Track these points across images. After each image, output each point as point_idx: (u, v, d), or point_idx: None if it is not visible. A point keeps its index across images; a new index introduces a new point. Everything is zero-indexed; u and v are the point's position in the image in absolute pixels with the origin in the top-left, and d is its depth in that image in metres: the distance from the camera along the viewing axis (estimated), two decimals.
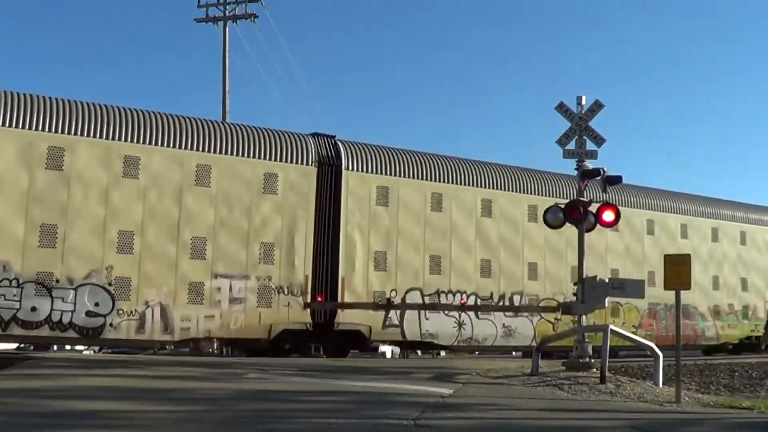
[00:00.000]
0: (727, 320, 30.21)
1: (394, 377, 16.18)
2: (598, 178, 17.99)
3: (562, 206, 17.71)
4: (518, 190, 26.25)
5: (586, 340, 17.38)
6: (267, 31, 75.95)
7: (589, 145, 17.88)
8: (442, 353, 27.51)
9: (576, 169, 17.92)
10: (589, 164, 17.83)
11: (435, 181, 24.71)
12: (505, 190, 25.94)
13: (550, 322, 25.45)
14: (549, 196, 26.30)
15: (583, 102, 18.07)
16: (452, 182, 25.00)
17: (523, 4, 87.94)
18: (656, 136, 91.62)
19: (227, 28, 34.58)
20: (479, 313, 24.41)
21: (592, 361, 17.03)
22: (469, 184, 25.33)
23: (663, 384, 15.90)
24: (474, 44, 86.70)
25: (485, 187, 25.64)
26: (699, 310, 29.48)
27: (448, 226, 24.63)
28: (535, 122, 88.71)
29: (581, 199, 17.63)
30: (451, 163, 25.38)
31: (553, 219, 17.73)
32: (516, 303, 25.21)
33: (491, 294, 25.05)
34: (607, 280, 17.69)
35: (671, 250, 25.14)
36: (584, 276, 17.31)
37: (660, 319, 28.32)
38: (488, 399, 13.12)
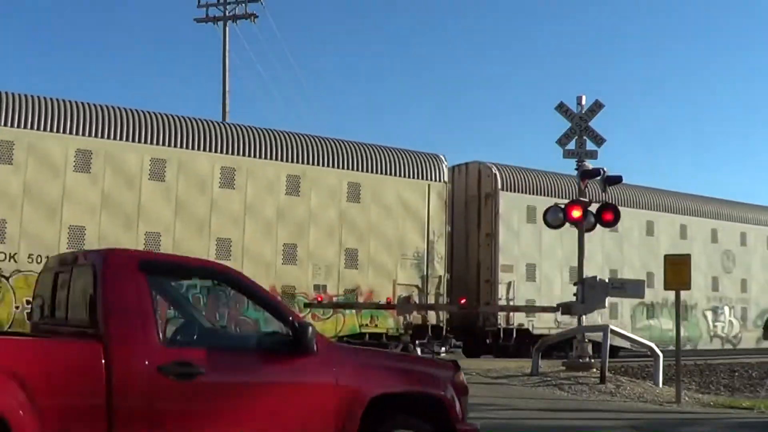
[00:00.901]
0: (314, 310, 20.60)
1: None
2: (598, 178, 17.97)
3: (562, 206, 17.68)
4: None
5: (586, 340, 17.39)
6: (267, 31, 75.90)
7: (589, 145, 17.89)
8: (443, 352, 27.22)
9: (576, 169, 17.91)
10: (589, 164, 17.83)
11: None
12: None
13: None
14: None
15: (583, 102, 18.08)
16: None
17: (524, 4, 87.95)
18: (657, 135, 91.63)
19: (227, 28, 34.55)
20: None
21: (592, 361, 17.03)
22: None
23: (663, 384, 15.90)
24: (477, 43, 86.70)
25: None
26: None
27: None
28: (535, 122, 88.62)
29: (581, 199, 17.61)
30: None
31: (553, 219, 17.70)
32: None
33: None
34: (606, 280, 17.69)
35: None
36: (584, 276, 17.30)
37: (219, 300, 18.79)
38: (488, 399, 13.11)
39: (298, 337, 5.96)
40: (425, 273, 22.07)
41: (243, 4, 34.62)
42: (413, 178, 22.43)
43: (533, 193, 24.42)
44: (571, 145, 17.92)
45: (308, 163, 21.06)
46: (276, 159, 20.66)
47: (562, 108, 18.09)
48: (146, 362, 5.48)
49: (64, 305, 6.28)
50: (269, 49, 78.41)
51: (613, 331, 17.07)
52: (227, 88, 33.96)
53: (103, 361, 5.38)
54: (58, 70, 75.38)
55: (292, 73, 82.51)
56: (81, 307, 5.95)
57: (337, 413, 6.04)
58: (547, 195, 24.38)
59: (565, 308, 18.00)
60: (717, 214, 29.78)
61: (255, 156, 20.43)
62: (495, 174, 23.84)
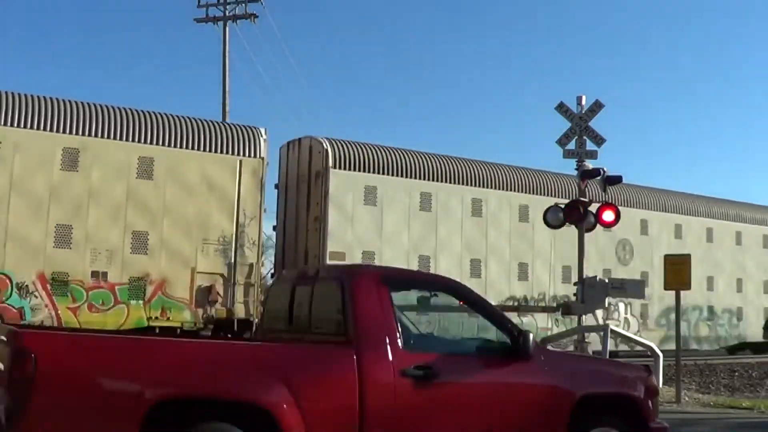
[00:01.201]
0: (94, 300, 17.97)
1: None
2: (598, 178, 17.95)
3: (562, 206, 17.65)
4: None
5: (586, 340, 17.38)
6: (267, 31, 75.92)
7: (589, 145, 17.88)
8: None
9: (576, 169, 17.90)
10: (589, 164, 17.81)
11: None
12: None
13: None
14: None
15: (583, 102, 18.06)
16: None
17: (525, 3, 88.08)
18: (656, 135, 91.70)
19: (227, 28, 34.51)
20: None
21: None
22: None
23: (663, 384, 15.91)
24: (477, 44, 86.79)
25: None
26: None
27: None
28: (534, 122, 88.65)
29: (581, 199, 17.60)
30: None
31: (553, 219, 17.69)
32: None
33: None
34: (604, 279, 17.67)
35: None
36: (584, 276, 17.29)
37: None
38: None
39: (517, 343, 6.70)
40: (233, 260, 19.31)
41: (243, 4, 34.60)
42: (221, 152, 19.54)
43: (373, 172, 21.10)
44: (571, 145, 17.92)
45: (90, 134, 18.35)
46: (50, 130, 17.97)
47: (562, 108, 18.07)
48: (391, 366, 6.19)
49: (306, 315, 6.98)
50: (269, 49, 78.47)
51: (612, 331, 17.07)
52: (227, 88, 33.95)
53: (356, 364, 6.08)
54: (56, 69, 75.39)
55: (292, 73, 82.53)
56: (327, 317, 6.70)
57: (550, 411, 6.82)
58: (391, 174, 21.38)
59: (566, 308, 18.01)
60: (615, 199, 25.32)
61: (24, 126, 17.71)
62: (326, 149, 20.51)
